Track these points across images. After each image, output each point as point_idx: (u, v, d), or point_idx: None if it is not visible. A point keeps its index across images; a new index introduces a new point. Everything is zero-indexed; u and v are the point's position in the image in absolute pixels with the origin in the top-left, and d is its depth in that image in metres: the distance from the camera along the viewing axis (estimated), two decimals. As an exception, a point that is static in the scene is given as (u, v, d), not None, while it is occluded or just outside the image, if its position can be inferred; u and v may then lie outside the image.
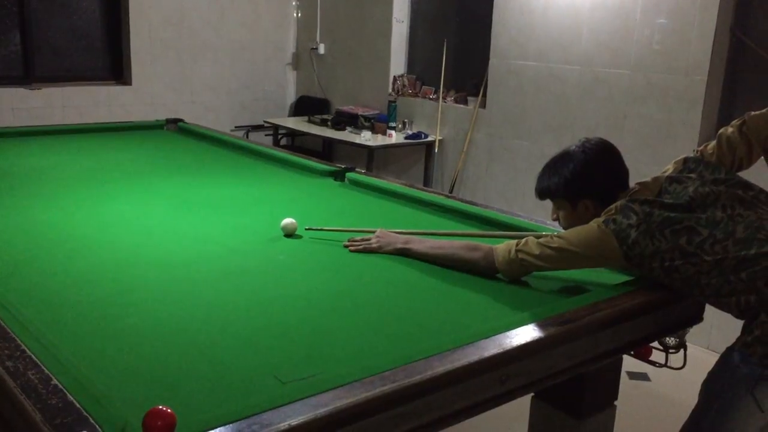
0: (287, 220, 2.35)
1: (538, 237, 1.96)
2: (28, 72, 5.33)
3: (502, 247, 2.00)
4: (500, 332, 1.58)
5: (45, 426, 1.15)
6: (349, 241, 2.26)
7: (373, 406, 1.29)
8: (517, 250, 1.95)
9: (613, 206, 1.91)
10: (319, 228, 2.32)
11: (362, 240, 2.25)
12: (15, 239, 2.23)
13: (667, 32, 4.00)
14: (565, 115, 4.56)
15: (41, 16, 5.34)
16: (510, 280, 2.00)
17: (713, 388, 1.89)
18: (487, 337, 1.55)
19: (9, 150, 3.53)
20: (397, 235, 2.24)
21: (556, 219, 2.10)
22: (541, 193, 2.10)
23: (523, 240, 1.96)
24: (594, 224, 1.88)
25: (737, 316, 1.82)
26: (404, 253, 2.16)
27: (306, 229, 2.33)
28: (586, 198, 1.98)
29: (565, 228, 2.04)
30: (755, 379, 1.80)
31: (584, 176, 1.99)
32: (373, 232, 2.27)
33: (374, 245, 2.20)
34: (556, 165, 2.04)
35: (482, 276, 2.02)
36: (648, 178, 1.99)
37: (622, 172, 2.03)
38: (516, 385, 1.56)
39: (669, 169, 2.02)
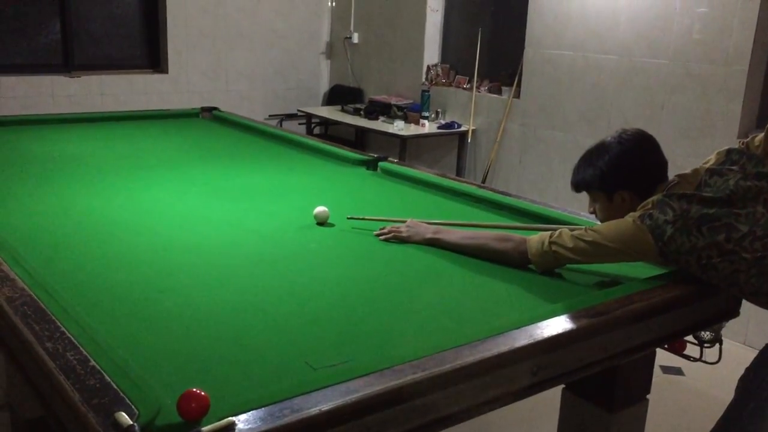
0: (320, 209, 2.36)
1: (572, 230, 1.94)
2: (68, 60, 5.43)
3: (535, 238, 1.98)
4: (532, 323, 1.57)
5: (83, 406, 1.18)
6: (379, 229, 2.26)
7: (403, 393, 1.29)
8: (550, 242, 1.93)
9: (649, 200, 1.87)
10: (361, 217, 2.32)
11: (392, 229, 2.24)
12: (55, 224, 2.28)
13: (708, 21, 3.91)
14: (600, 105, 4.49)
15: (81, 5, 5.42)
16: (541, 272, 1.99)
17: (750, 385, 1.86)
18: (518, 328, 1.55)
19: (49, 136, 3.60)
20: (427, 225, 2.22)
21: (593, 212, 2.07)
22: (577, 186, 2.07)
23: (557, 232, 1.94)
24: (629, 219, 1.86)
25: None
26: (434, 243, 2.15)
27: (348, 218, 2.32)
28: (623, 190, 1.95)
29: (601, 221, 2.01)
30: None
31: (621, 168, 1.95)
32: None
33: (404, 234, 2.19)
34: (592, 157, 2.01)
35: (513, 267, 2.01)
36: (688, 170, 1.95)
37: (661, 163, 1.99)
38: (547, 377, 1.55)
39: (711, 160, 1.96)
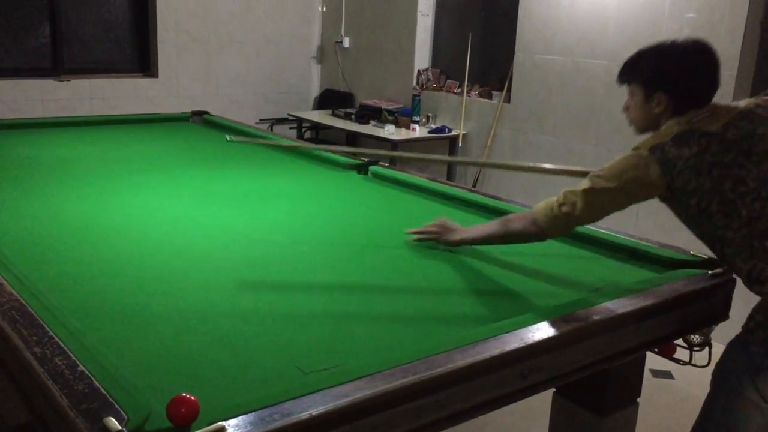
0: None
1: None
2: (57, 64, 5.41)
3: (542, 207, 1.91)
4: (522, 326, 1.58)
5: (72, 411, 1.17)
6: (412, 230, 2.24)
7: (393, 397, 1.29)
8: (559, 205, 1.86)
9: (667, 130, 1.81)
10: (240, 139, 2.39)
11: (424, 230, 2.21)
12: (44, 228, 2.26)
13: (696, 27, 3.94)
14: (591, 110, 4.51)
15: (70, 8, 5.40)
16: (557, 237, 1.97)
17: (719, 379, 1.90)
18: (509, 332, 1.55)
19: (38, 140, 3.58)
20: (453, 227, 2.18)
21: (626, 109, 1.99)
22: (621, 75, 1.98)
23: (562, 194, 1.88)
24: (635, 152, 1.81)
25: (746, 284, 1.80)
26: (461, 244, 2.14)
27: (228, 140, 2.59)
28: (664, 93, 1.86)
29: (630, 120, 1.97)
30: (756, 369, 1.80)
31: (674, 68, 1.86)
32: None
33: (435, 231, 2.18)
34: (646, 50, 1.93)
35: (533, 242, 1.97)
36: (725, 103, 1.88)
37: (713, 84, 1.87)
38: (537, 380, 1.56)
39: (750, 102, 1.89)
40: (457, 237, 2.14)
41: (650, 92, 1.88)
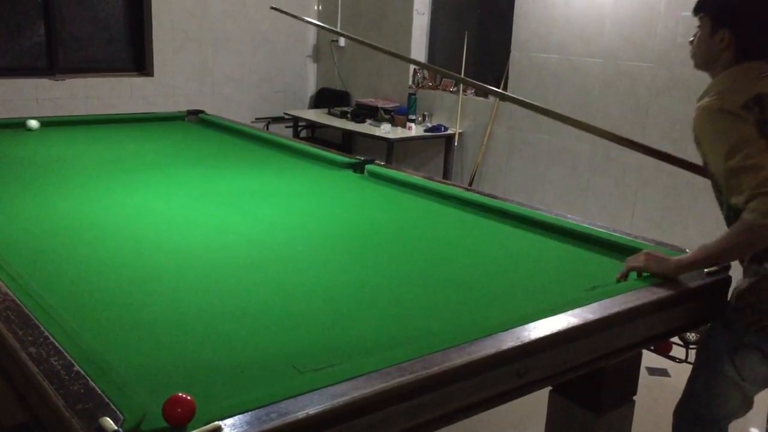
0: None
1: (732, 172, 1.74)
2: (52, 63, 5.39)
3: (752, 209, 1.69)
4: (518, 325, 1.58)
5: (67, 411, 1.17)
6: (620, 276, 1.97)
7: (390, 396, 1.29)
8: (758, 194, 1.68)
9: (732, 86, 1.79)
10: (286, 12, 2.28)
11: (633, 265, 1.95)
12: (38, 228, 2.26)
13: (691, 26, 3.93)
14: (586, 108, 4.52)
15: (65, 7, 5.39)
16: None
17: (701, 357, 1.96)
18: (505, 330, 1.55)
19: (33, 140, 3.57)
20: (665, 256, 1.94)
21: (691, 42, 1.97)
22: (696, 5, 1.96)
23: (746, 193, 1.70)
24: (724, 114, 1.76)
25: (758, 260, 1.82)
26: (682, 272, 1.90)
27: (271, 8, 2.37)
28: (731, 31, 1.84)
29: (692, 53, 1.96)
30: (735, 348, 1.86)
31: (744, 5, 1.84)
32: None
33: (642, 263, 1.93)
34: None
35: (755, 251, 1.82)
36: None
37: None
38: (534, 379, 1.56)
39: None
40: (672, 265, 1.89)
41: (717, 27, 1.88)
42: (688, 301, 1.88)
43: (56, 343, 1.39)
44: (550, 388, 2.07)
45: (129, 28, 5.72)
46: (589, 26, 4.45)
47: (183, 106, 4.90)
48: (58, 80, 5.30)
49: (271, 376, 1.38)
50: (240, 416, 1.18)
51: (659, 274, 1.89)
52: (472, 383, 1.43)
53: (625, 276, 1.93)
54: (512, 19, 4.88)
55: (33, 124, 3.63)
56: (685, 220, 4.06)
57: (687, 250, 2.12)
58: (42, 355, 1.35)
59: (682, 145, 4.04)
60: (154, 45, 5.64)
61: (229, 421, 1.16)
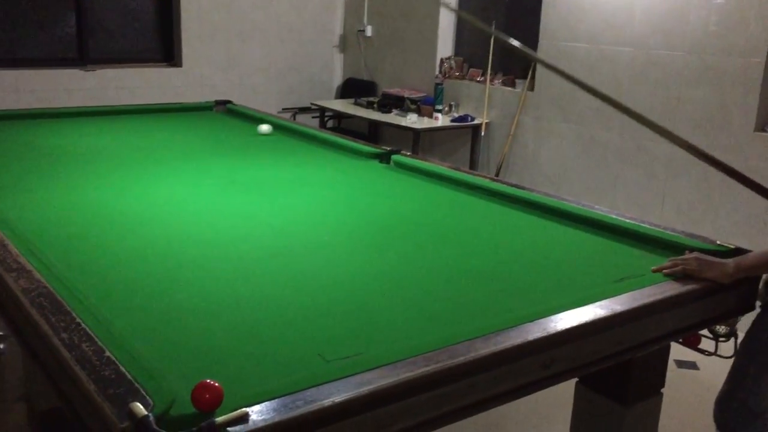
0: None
1: None
2: (83, 54, 5.46)
3: None
4: (545, 316, 1.57)
5: (99, 396, 1.19)
6: (663, 266, 1.94)
7: (415, 385, 1.30)
8: None
9: None
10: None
11: (679, 263, 1.92)
12: (71, 216, 2.29)
13: (725, 13, 3.87)
14: (615, 97, 4.43)
15: (95, -1, 5.46)
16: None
17: (750, 351, 1.94)
18: (531, 321, 1.54)
19: (63, 130, 3.63)
20: (720, 260, 1.90)
21: None
22: None
23: None
24: None
25: None
26: (738, 276, 1.86)
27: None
28: None
29: None
30: None
31: None
32: None
33: (693, 267, 1.88)
34: None
35: None
36: None
37: None
38: (560, 370, 1.55)
39: None
40: (731, 269, 1.85)
41: None
42: (717, 293, 1.86)
43: (88, 330, 1.42)
44: (576, 379, 2.06)
45: (158, 19, 5.77)
46: (618, 14, 4.38)
47: (211, 97, 4.94)
48: (88, 71, 5.37)
49: (297, 364, 1.39)
50: (267, 403, 1.19)
51: (713, 280, 1.85)
52: (497, 374, 1.43)
53: (668, 274, 1.88)
54: (540, 8, 4.83)
55: (264, 128, 3.40)
56: (716, 211, 4.00)
57: (718, 242, 2.09)
58: (74, 341, 1.37)
59: (713, 135, 3.97)
60: (183, 36, 5.68)
61: (256, 408, 1.17)
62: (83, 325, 1.44)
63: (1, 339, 2.94)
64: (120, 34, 5.63)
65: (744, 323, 2.01)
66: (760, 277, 1.93)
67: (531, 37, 4.98)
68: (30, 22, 5.25)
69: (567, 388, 1.98)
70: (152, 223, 2.28)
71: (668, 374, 2.09)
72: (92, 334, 1.40)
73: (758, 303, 1.96)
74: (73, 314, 1.49)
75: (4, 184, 2.59)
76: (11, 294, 1.61)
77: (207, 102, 4.42)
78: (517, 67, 5.24)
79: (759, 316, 1.96)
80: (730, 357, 1.99)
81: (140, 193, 2.59)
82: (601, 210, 2.40)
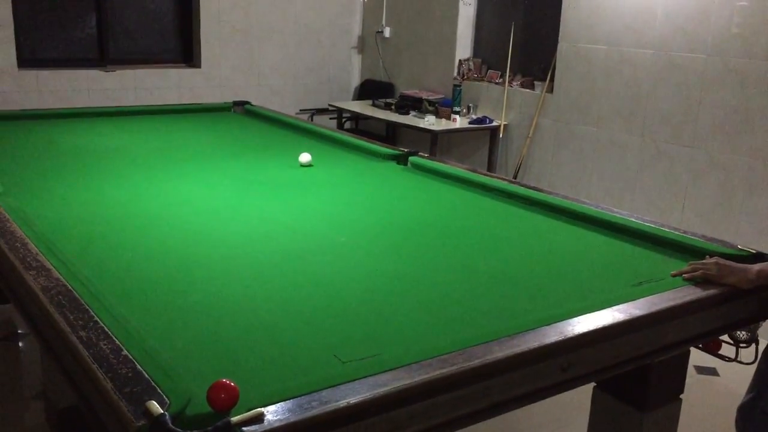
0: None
1: None
2: (103, 54, 5.51)
3: None
4: (562, 319, 1.56)
5: (116, 394, 1.20)
6: (676, 272, 1.92)
7: (431, 388, 1.29)
8: None
9: None
10: None
11: (699, 267, 1.89)
12: (89, 215, 2.31)
13: (747, 15, 3.82)
14: (636, 101, 4.42)
15: (116, 0, 5.50)
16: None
17: None
18: (548, 324, 1.53)
19: (84, 129, 3.66)
20: (741, 265, 1.87)
21: None
22: None
23: None
24: None
25: None
26: (760, 282, 1.83)
27: None
28: None
29: None
30: None
31: None
32: None
33: (713, 273, 1.85)
34: None
35: None
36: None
37: None
38: (578, 374, 1.54)
39: None
40: (752, 275, 1.82)
41: None
42: (737, 299, 1.83)
43: (105, 328, 1.43)
44: (594, 384, 2.04)
45: (177, 20, 5.81)
46: (639, 16, 4.35)
47: (229, 97, 4.96)
48: (108, 71, 5.42)
49: (312, 364, 1.39)
50: (282, 403, 1.19)
51: (734, 285, 1.82)
52: (513, 377, 1.42)
53: (688, 279, 1.85)
54: (560, 9, 4.80)
55: (305, 158, 2.97)
56: (738, 216, 3.95)
57: (738, 246, 2.06)
58: (92, 339, 1.38)
59: (735, 139, 3.92)
60: (202, 37, 5.71)
61: (271, 408, 1.17)
62: (101, 323, 1.45)
63: (20, 337, 2.97)
64: (140, 35, 5.68)
65: (765, 329, 1.98)
66: None
67: (550, 39, 4.95)
68: (51, 24, 5.31)
69: (584, 393, 1.96)
70: (170, 223, 2.29)
71: (687, 380, 2.07)
72: (110, 333, 1.41)
73: None
74: (92, 312, 1.50)
75: (24, 183, 2.62)
76: (30, 292, 1.62)
77: (225, 103, 4.44)
78: (537, 69, 5.22)
79: None
80: (751, 363, 1.96)
81: (158, 193, 2.61)
82: (620, 213, 2.38)
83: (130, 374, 1.26)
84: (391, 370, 1.31)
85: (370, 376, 1.28)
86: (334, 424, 1.18)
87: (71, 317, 1.47)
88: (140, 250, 2.02)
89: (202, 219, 2.34)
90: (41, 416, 2.70)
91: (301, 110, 6.19)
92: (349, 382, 1.26)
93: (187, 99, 5.54)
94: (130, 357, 1.32)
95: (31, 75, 5.13)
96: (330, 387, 1.24)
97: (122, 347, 1.35)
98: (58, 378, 1.49)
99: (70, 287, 1.62)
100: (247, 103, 4.40)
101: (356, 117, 6.14)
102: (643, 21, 4.32)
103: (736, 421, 2.04)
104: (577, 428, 2.60)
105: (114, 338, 1.39)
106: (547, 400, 1.54)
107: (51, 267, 1.74)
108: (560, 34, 4.82)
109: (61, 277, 1.68)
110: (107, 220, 2.28)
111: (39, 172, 2.81)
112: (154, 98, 5.49)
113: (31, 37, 5.25)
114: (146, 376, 1.26)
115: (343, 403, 1.20)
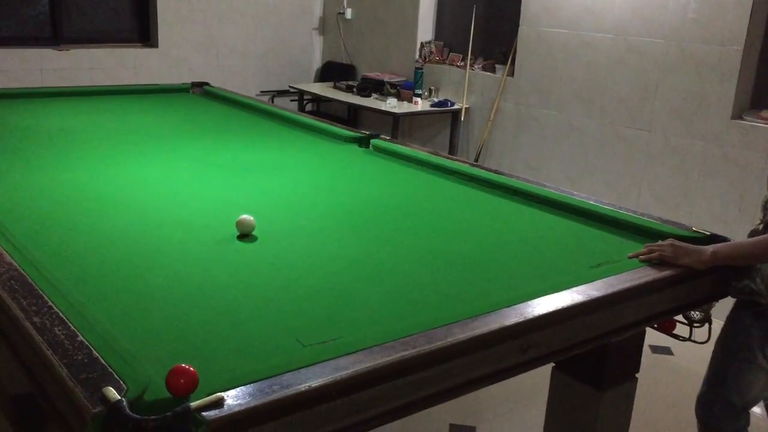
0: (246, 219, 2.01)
1: None
2: (57, 33, 5.35)
3: None
4: (522, 301, 1.58)
5: (71, 381, 1.17)
6: (633, 254, 1.95)
7: (392, 370, 1.29)
8: None
9: None
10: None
11: (655, 248, 1.92)
12: (42, 198, 2.26)
13: (704, 1, 3.88)
14: (595, 84, 4.47)
15: (70, -24, 5.35)
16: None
17: (730, 349, 1.99)
18: (508, 306, 1.55)
19: (37, 110, 3.56)
20: (696, 247, 1.90)
21: None
22: None
23: None
24: None
25: None
26: (714, 263, 1.87)
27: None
28: None
29: None
30: (766, 338, 1.92)
31: None
32: None
33: (668, 254, 1.88)
34: None
35: None
36: None
37: None
38: (537, 355, 1.56)
39: None
40: (706, 257, 1.85)
41: None
42: (692, 280, 1.87)
43: (60, 313, 1.40)
44: (552, 364, 2.08)
45: (134, -2, 5.67)
46: (599, 1, 4.39)
47: (188, 78, 4.87)
48: (62, 50, 5.27)
49: (273, 348, 1.39)
50: (242, 388, 1.18)
51: (689, 266, 1.86)
52: (474, 358, 1.43)
53: (644, 260, 1.89)
54: (521, -7, 4.82)
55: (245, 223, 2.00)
56: (693, 199, 4.04)
57: (693, 228, 2.10)
58: (46, 324, 1.35)
59: (690, 123, 4.00)
60: (159, 16, 5.59)
61: (231, 393, 1.17)
62: (56, 308, 1.42)
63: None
64: (95, 14, 5.53)
65: (718, 309, 2.03)
66: (734, 265, 1.95)
67: (511, 23, 4.97)
68: (2, 1, 5.14)
69: (543, 373, 1.99)
70: (127, 206, 2.25)
71: (643, 359, 2.12)
72: (65, 319, 1.38)
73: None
74: (45, 297, 1.46)
75: (-26, 165, 2.54)
76: (-19, 277, 1.57)
77: (184, 84, 4.36)
78: (498, 52, 5.23)
79: (733, 312, 1.97)
80: (704, 342, 2.01)
81: (115, 176, 2.55)
82: (579, 196, 2.41)
83: (86, 360, 1.24)
84: (352, 353, 1.31)
85: (332, 359, 1.28)
86: (295, 408, 1.18)
87: (24, 302, 1.43)
88: (96, 234, 1.97)
89: (160, 202, 2.30)
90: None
91: (261, 92, 6.11)
92: (310, 365, 1.26)
93: (144, 80, 5.42)
94: (86, 343, 1.29)
95: (-19, 53, 4.97)
96: (291, 371, 1.24)
97: (78, 333, 1.32)
98: (11, 365, 1.46)
99: (23, 272, 1.58)
100: (206, 84, 4.33)
101: (317, 99, 6.09)
102: (602, 5, 4.37)
103: (696, 411, 2.10)
104: (536, 408, 2.64)
105: (69, 324, 1.36)
106: (507, 380, 1.56)
107: (2, 251, 1.69)
108: (521, 17, 4.84)
109: (13, 261, 1.64)
110: (62, 204, 2.22)
111: (-11, 153, 2.72)
112: (110, 78, 5.36)
113: (-20, 14, 5.08)
114: (103, 362, 1.23)
115: (304, 386, 1.19)
